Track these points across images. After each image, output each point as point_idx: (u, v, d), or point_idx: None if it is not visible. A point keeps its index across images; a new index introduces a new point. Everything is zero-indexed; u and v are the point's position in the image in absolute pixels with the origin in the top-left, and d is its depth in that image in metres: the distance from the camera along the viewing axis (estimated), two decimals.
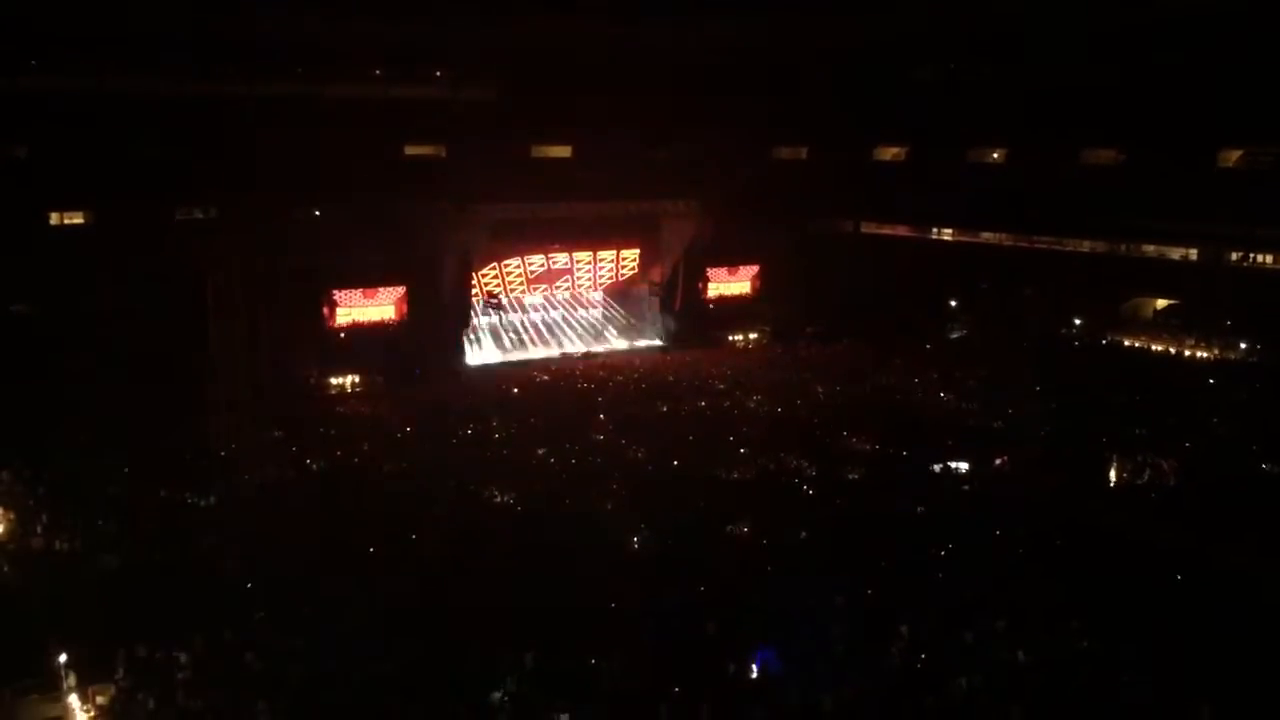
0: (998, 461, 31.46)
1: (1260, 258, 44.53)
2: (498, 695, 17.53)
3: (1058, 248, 50.62)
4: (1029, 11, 46.61)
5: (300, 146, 45.35)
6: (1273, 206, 41.79)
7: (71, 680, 18.22)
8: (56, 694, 18.20)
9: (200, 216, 46.69)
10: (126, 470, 29.68)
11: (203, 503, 28.14)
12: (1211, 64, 44.53)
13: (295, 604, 21.03)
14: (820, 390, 41.08)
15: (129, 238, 42.30)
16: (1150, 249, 48.06)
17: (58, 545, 24.49)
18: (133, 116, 44.77)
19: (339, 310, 45.49)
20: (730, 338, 53.16)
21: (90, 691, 17.90)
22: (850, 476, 30.51)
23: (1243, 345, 43.47)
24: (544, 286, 53.52)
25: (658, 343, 53.30)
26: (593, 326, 53.88)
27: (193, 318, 37.81)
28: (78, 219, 45.01)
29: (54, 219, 44.54)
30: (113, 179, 43.24)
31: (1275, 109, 42.40)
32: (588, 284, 54.63)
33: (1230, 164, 45.99)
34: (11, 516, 26.08)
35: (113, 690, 17.90)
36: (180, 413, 33.56)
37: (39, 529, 25.35)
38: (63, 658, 18.42)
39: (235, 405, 33.73)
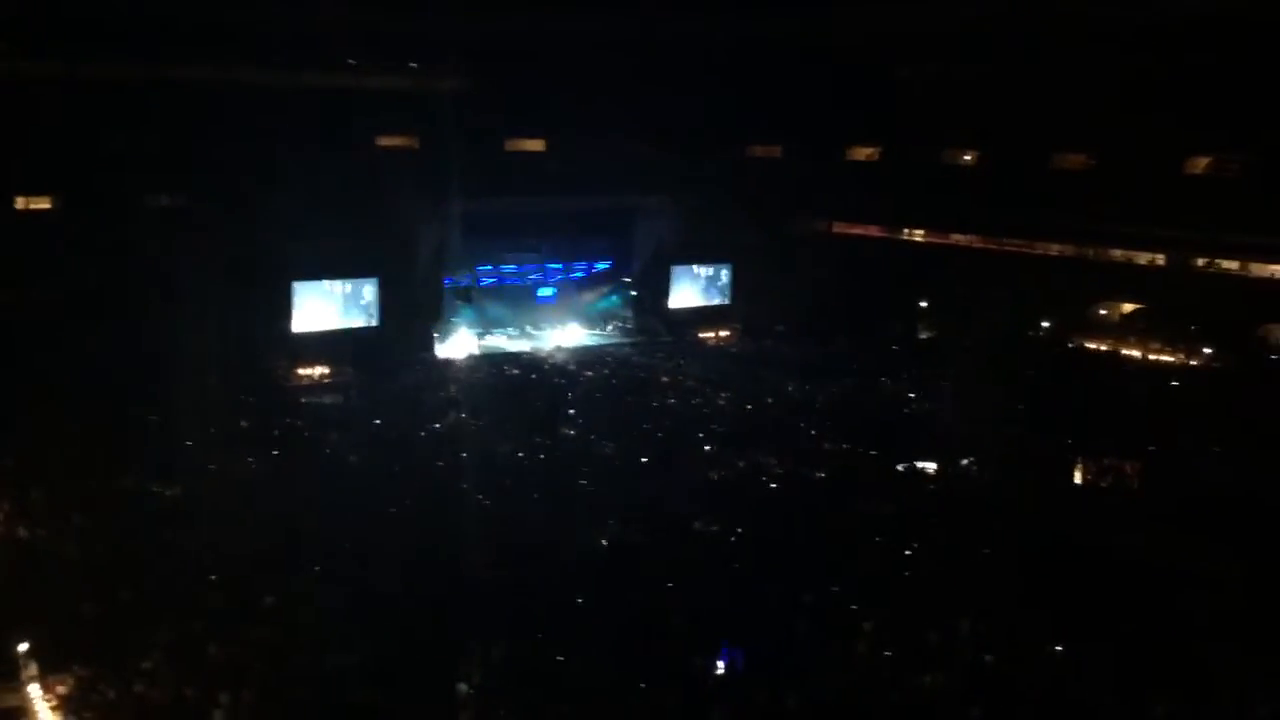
0: (964, 462, 31.69)
1: (1224, 263, 45.11)
2: (464, 688, 17.52)
3: (1027, 250, 51.02)
4: (1004, 14, 46.85)
5: (271, 136, 44.92)
6: (1238, 213, 42.37)
7: (31, 670, 18.03)
8: (16, 684, 18.00)
9: (169, 204, 46.22)
10: (90, 459, 29.31)
11: (168, 493, 27.93)
12: (1181, 70, 44.90)
13: (259, 595, 20.93)
14: (789, 389, 41.23)
15: (97, 224, 41.85)
16: (1118, 253, 48.60)
17: (20, 533, 24.24)
18: (102, 102, 44.16)
19: (308, 301, 45.19)
20: (701, 335, 53.22)
21: (50, 681, 17.74)
22: (818, 475, 30.65)
23: (1206, 350, 43.95)
24: (516, 282, 53.35)
25: (628, 339, 53.24)
26: (564, 322, 53.71)
27: (160, 306, 37.54)
28: (44, 204, 44.43)
29: (19, 204, 43.93)
30: (81, 164, 42.67)
31: (1242, 117, 42.95)
32: (560, 280, 54.52)
33: (1198, 170, 46.46)
34: None
35: (73, 680, 17.75)
36: (146, 402, 33.29)
37: (0, 517, 25.08)
38: (23, 646, 18.20)
39: (202, 395, 33.54)
